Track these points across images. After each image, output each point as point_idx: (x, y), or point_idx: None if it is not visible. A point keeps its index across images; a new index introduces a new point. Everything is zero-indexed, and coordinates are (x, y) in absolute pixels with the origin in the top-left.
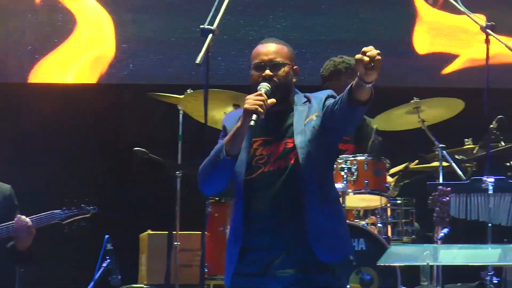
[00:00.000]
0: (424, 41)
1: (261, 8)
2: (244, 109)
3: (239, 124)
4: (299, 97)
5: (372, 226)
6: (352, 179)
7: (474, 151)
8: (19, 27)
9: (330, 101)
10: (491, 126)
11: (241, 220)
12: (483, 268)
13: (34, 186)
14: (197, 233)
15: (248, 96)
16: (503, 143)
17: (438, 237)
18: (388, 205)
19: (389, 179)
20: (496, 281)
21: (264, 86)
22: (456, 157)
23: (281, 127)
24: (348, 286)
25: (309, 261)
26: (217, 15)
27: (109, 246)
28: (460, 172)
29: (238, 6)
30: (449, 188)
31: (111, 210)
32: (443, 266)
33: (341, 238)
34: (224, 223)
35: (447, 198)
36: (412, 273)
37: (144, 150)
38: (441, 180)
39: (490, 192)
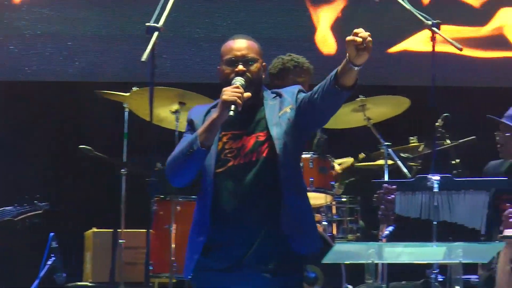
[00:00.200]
0: None
1: (206, 5)
2: (222, 101)
3: (215, 115)
4: (267, 93)
5: (317, 224)
6: None
7: (420, 149)
8: None
9: (302, 94)
10: (437, 124)
11: (208, 213)
12: (428, 266)
13: None
14: (142, 231)
15: (226, 88)
16: (448, 141)
17: (383, 235)
18: (333, 203)
19: (337, 167)
20: (441, 279)
21: (239, 80)
22: (402, 155)
23: (251, 121)
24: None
25: (282, 253)
26: (163, 12)
27: (54, 244)
28: (405, 170)
29: (184, 4)
30: (394, 186)
31: (56, 207)
32: (388, 264)
33: (314, 229)
34: (169, 221)
35: (392, 196)
36: (357, 271)
37: (89, 147)
38: (386, 178)
39: (436, 190)
